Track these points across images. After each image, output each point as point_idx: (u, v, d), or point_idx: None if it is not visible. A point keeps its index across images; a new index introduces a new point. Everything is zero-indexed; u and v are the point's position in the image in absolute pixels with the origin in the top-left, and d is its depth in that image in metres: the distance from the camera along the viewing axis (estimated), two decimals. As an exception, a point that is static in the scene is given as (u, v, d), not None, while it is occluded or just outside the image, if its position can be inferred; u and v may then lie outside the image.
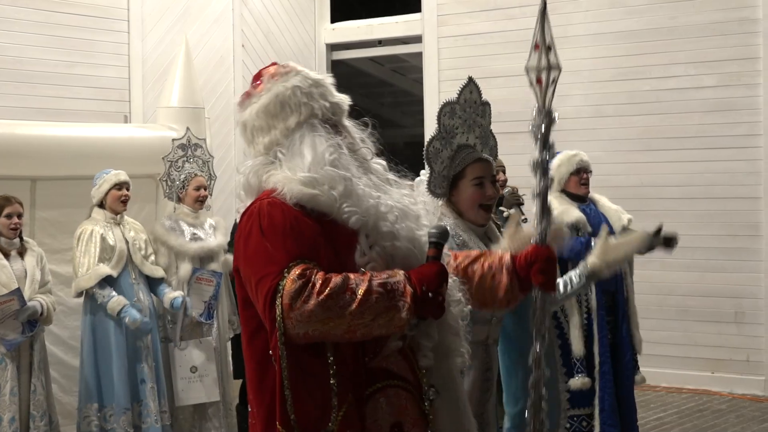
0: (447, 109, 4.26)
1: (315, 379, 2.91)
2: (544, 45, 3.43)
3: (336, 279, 2.84)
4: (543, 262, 3.31)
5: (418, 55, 11.60)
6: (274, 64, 3.25)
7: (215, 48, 10.88)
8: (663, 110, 10.04)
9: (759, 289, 9.62)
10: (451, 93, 12.12)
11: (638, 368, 7.08)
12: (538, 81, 3.45)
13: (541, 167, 3.46)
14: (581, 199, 6.97)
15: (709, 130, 9.81)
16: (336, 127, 3.14)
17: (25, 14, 9.39)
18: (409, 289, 2.88)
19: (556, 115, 3.51)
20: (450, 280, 3.06)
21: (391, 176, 3.21)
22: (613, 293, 6.95)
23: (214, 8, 10.89)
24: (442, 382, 3.07)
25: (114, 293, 6.70)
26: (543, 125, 3.47)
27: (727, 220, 9.76)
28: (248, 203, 3.07)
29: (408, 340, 3.02)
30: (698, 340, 9.81)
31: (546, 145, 3.47)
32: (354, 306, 2.82)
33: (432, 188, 4.22)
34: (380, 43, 12.11)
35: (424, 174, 4.62)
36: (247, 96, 3.19)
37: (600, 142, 9.67)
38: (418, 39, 11.56)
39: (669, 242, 6.68)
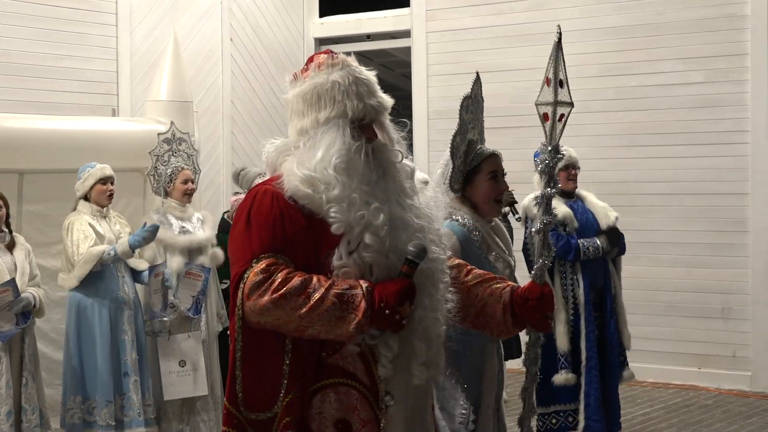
0: (465, 104, 4.31)
1: (270, 362, 3.03)
2: (555, 80, 3.48)
3: (295, 280, 2.96)
4: (536, 300, 3.33)
5: (407, 50, 11.60)
6: (327, 51, 3.30)
7: (204, 42, 10.85)
8: (650, 106, 10.07)
9: (745, 284, 9.66)
10: (440, 88, 12.14)
11: (627, 364, 7.13)
12: (546, 117, 3.50)
13: (545, 202, 3.52)
14: (568, 195, 7.00)
15: (696, 127, 9.85)
16: (369, 128, 3.18)
17: (13, 7, 9.35)
18: (363, 304, 2.96)
19: (564, 151, 3.52)
20: (426, 300, 3.11)
21: (411, 184, 3.25)
22: (600, 289, 6.99)
23: (202, 2, 10.87)
24: (399, 393, 3.11)
25: (112, 246, 6.70)
26: (548, 162, 3.52)
27: (714, 216, 9.80)
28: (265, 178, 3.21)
29: (369, 346, 3.08)
30: (685, 336, 9.84)
31: (551, 182, 3.52)
32: (304, 310, 2.94)
33: (452, 183, 4.28)
34: (369, 37, 12.11)
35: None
36: (296, 77, 3.27)
37: (587, 138, 9.68)
38: (406, 34, 11.56)
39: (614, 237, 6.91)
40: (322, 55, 3.27)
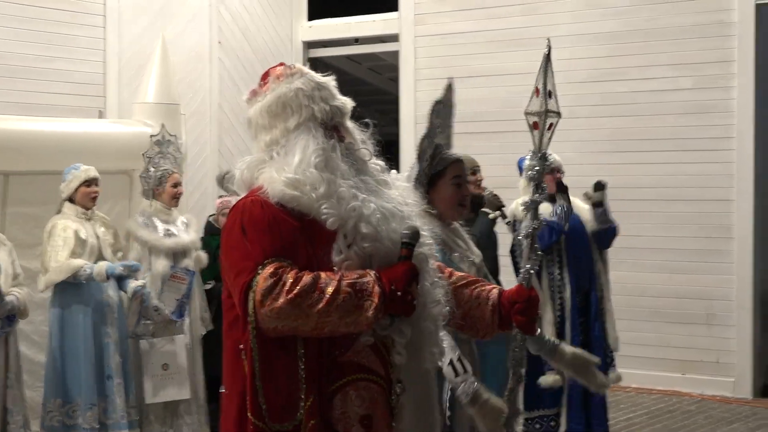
0: (435, 108, 4.36)
1: (284, 371, 3.04)
2: (544, 90, 3.58)
3: (306, 278, 2.97)
4: (524, 303, 3.43)
5: (395, 54, 11.65)
6: (281, 64, 3.35)
7: (192, 44, 10.88)
8: (639, 112, 10.14)
9: (730, 290, 9.73)
10: (428, 92, 12.16)
11: (614, 366, 7.17)
12: (535, 125, 3.60)
13: (533, 208, 3.64)
14: (553, 199, 7.05)
15: (685, 133, 9.91)
16: (336, 129, 3.25)
17: (0, 8, 9.35)
18: (377, 289, 3.00)
19: (551, 158, 3.61)
20: (427, 282, 3.19)
21: (386, 177, 3.30)
22: (586, 292, 7.03)
23: (191, 5, 10.90)
24: (412, 379, 3.17)
25: (91, 264, 6.72)
26: (537, 168, 3.62)
27: (700, 221, 9.87)
28: (239, 197, 3.24)
29: (381, 336, 3.11)
30: (669, 341, 9.91)
31: (539, 188, 3.64)
32: (322, 305, 2.95)
33: (416, 186, 4.32)
34: (357, 41, 12.15)
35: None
36: (254, 94, 3.32)
37: (575, 143, 9.71)
38: (395, 38, 11.61)
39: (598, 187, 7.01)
40: (278, 68, 3.32)
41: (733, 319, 9.72)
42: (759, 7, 9.62)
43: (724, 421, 8.78)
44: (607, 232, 7.17)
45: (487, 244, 7.04)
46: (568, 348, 3.90)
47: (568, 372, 3.89)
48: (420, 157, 4.33)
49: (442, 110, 4.38)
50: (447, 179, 4.37)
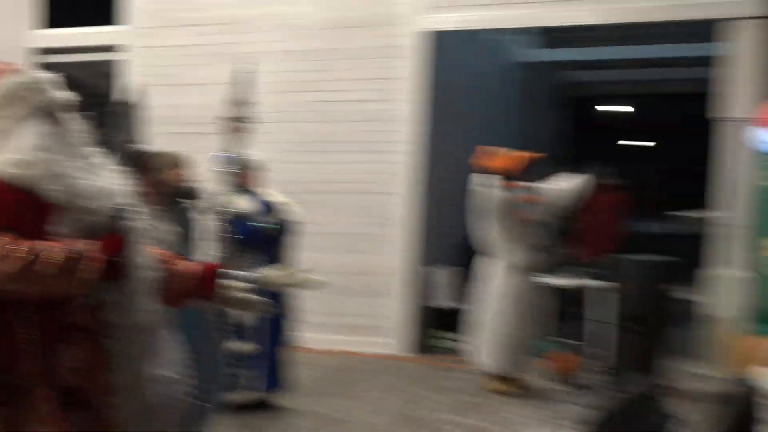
0: (116, 108, 4.92)
1: (10, 331, 3.17)
2: (241, 101, 4.19)
3: (31, 246, 3.08)
4: (217, 276, 3.84)
5: (121, 63, 12.21)
6: (4, 63, 3.49)
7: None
8: (331, 119, 11.27)
9: (391, 268, 11.07)
10: (146, 99, 12.54)
11: (292, 331, 7.88)
12: (232, 129, 4.16)
13: (226, 198, 4.23)
14: (248, 191, 7.95)
15: (364, 137, 11.11)
16: (57, 119, 3.39)
17: None
18: (93, 255, 3.16)
19: (244, 156, 4.26)
20: (137, 251, 3.39)
21: (100, 161, 3.48)
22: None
23: None
24: (127, 338, 3.35)
25: None
26: (232, 165, 4.19)
27: (370, 211, 11.05)
28: None
29: (98, 298, 3.29)
30: (343, 310, 11.02)
31: (231, 182, 4.20)
32: (43, 270, 3.07)
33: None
34: (89, 50, 12.52)
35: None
36: None
37: (274, 144, 10.41)
38: (122, 48, 12.21)
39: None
40: (1, 66, 3.46)
41: (392, 291, 10.94)
42: (419, 35, 11.00)
43: (386, 372, 9.82)
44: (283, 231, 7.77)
45: (184, 227, 8.04)
46: (271, 271, 4.18)
47: (287, 288, 4.14)
48: (116, 152, 4.59)
49: (122, 108, 4.97)
50: (141, 170, 4.93)
